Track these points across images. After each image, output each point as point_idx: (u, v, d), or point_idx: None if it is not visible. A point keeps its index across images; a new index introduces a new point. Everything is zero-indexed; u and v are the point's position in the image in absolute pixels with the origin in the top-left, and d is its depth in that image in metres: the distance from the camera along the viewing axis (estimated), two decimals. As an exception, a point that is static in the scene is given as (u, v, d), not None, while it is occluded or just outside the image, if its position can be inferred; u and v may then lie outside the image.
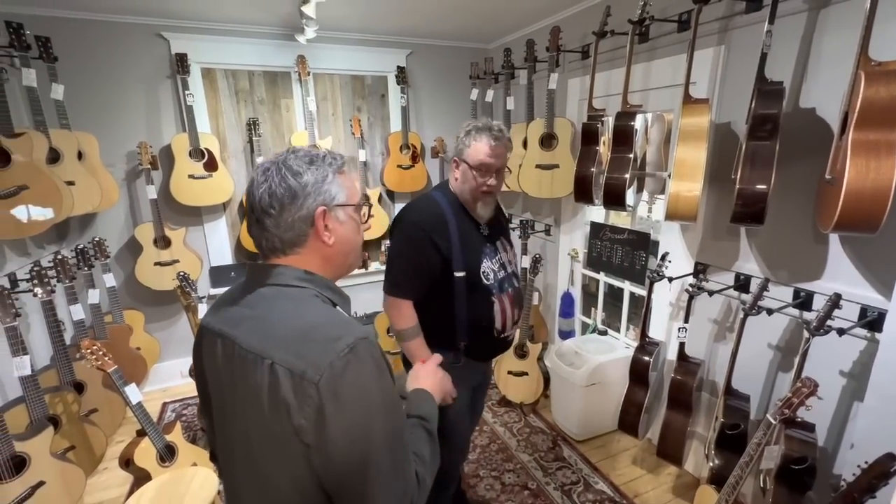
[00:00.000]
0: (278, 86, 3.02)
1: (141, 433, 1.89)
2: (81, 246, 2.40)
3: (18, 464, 1.65)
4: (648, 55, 2.14)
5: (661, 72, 2.09)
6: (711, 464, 1.74)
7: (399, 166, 3.23)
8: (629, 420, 2.10)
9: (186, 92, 2.65)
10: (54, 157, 2.20)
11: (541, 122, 2.54)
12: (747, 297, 1.75)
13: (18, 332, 1.75)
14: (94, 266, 2.46)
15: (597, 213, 2.78)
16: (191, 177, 2.71)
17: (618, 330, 2.76)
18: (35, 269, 1.94)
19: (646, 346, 2.07)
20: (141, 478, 1.84)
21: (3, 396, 2.01)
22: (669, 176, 1.75)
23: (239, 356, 0.69)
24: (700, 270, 1.98)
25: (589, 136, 2.20)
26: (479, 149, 1.36)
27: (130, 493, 1.83)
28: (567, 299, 2.94)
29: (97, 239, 2.52)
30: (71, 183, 2.20)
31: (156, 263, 2.71)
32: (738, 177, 1.51)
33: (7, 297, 1.73)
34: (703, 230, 2.00)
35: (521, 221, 2.83)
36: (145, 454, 1.84)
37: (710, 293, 1.90)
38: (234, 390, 0.70)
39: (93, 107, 2.59)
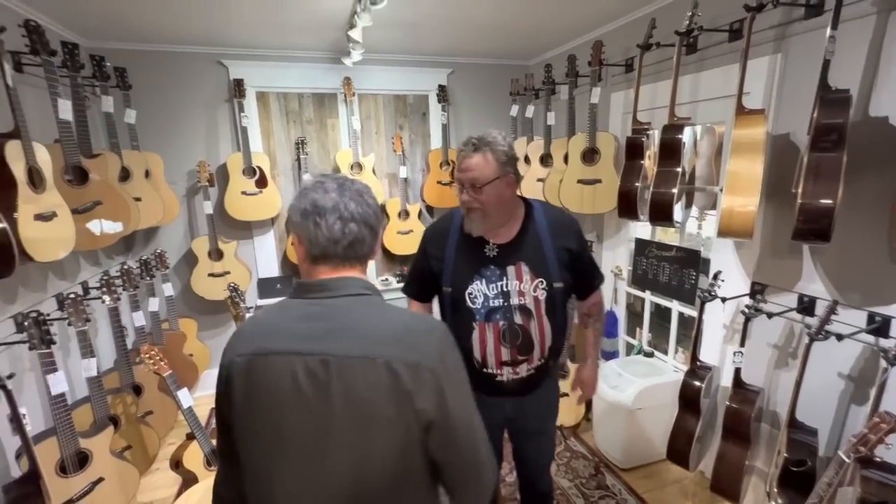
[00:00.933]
0: (325, 106, 3.17)
1: (190, 436, 1.97)
2: (145, 257, 2.59)
3: (82, 459, 1.77)
4: (697, 66, 2.07)
5: (710, 83, 2.01)
6: (774, 503, 1.59)
7: (439, 182, 3.27)
8: (679, 449, 1.96)
9: (242, 114, 2.83)
10: (125, 175, 2.40)
11: (582, 137, 2.50)
12: (812, 321, 1.61)
13: (88, 336, 1.90)
14: (155, 276, 2.64)
15: (642, 229, 2.68)
16: (243, 193, 2.88)
17: (665, 352, 2.62)
18: (104, 278, 2.11)
19: (697, 370, 1.95)
20: (189, 480, 1.92)
21: (72, 395, 2.17)
22: (721, 190, 1.66)
23: (340, 365, 0.72)
24: (757, 291, 1.85)
25: (633, 149, 2.14)
26: (457, 163, 1.30)
27: (178, 494, 1.91)
28: (610, 318, 2.83)
29: (159, 251, 2.70)
30: (138, 199, 2.39)
31: (209, 274, 2.87)
32: (800, 191, 1.41)
33: (80, 304, 1.89)
34: (761, 248, 1.88)
35: (562, 237, 2.77)
36: (193, 457, 1.92)
37: (770, 315, 1.77)
38: (323, 396, 0.73)
39: (159, 129, 2.82)
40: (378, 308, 0.80)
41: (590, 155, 2.51)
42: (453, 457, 0.78)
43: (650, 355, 2.55)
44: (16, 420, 1.42)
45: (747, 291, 1.91)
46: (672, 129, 1.89)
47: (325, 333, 0.74)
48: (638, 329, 2.86)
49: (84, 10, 2.14)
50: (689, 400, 1.94)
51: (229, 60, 2.87)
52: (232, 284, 2.55)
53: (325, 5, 2.14)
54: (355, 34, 2.18)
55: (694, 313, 2.08)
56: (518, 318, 1.31)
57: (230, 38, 2.66)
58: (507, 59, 3.41)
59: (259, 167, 2.90)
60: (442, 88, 3.21)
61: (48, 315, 1.70)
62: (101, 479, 1.81)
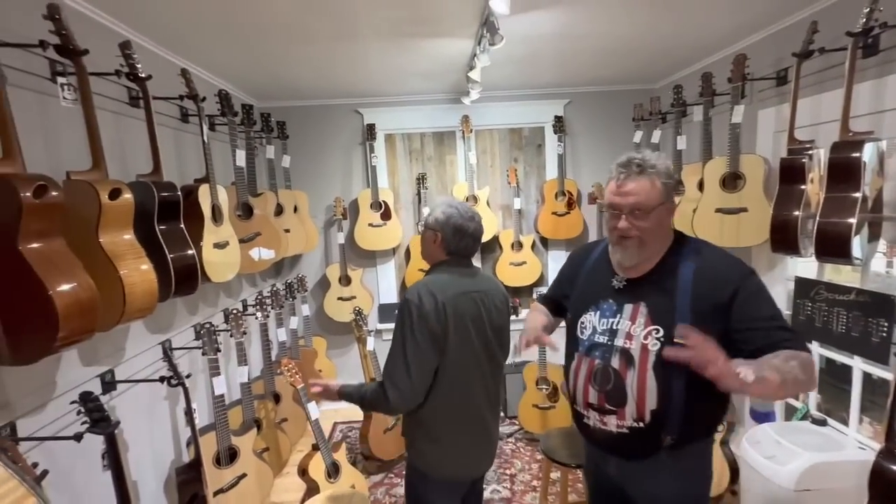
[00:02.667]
0: (444, 143, 3.36)
1: (315, 447, 2.15)
2: (289, 281, 2.98)
3: (232, 455, 2.04)
4: (878, 70, 1.71)
5: (901, 88, 1.63)
6: None
7: (554, 213, 3.19)
8: (870, 553, 1.51)
9: (372, 154, 3.15)
10: (279, 210, 2.83)
11: (721, 161, 2.22)
12: None
13: (244, 346, 2.23)
14: (297, 297, 3.01)
15: (804, 266, 2.23)
16: (370, 225, 3.16)
17: (844, 421, 2.09)
18: (258, 297, 2.47)
19: None
20: (311, 489, 2.08)
21: (229, 397, 2.54)
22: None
23: (486, 295, 1.45)
24: None
25: (791, 172, 1.82)
26: (609, 186, 1.18)
27: (303, 501, 2.08)
28: (762, 371, 2.37)
29: (300, 276, 3.09)
30: (287, 230, 2.78)
31: (339, 298, 3.18)
32: None
33: (239, 318, 2.23)
34: None
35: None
36: (317, 467, 2.08)
37: None
38: (485, 311, 1.43)
39: (306, 170, 3.28)
40: (488, 275, 1.63)
41: (731, 180, 2.21)
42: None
43: (822, 423, 2.05)
44: (189, 413, 1.70)
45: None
46: (846, 147, 1.57)
47: (478, 286, 1.44)
48: (802, 388, 2.34)
49: (259, 79, 2.65)
50: (886, 491, 1.50)
51: (364, 108, 3.25)
52: (357, 308, 2.79)
53: (448, 50, 2.30)
54: (475, 75, 2.29)
55: (887, 375, 1.64)
56: (615, 362, 1.16)
57: (366, 89, 3.02)
58: (628, 84, 3.25)
59: (384, 201, 3.17)
60: (558, 119, 3.17)
61: (217, 327, 2.04)
62: (244, 475, 2.06)
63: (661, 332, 1.12)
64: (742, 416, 2.50)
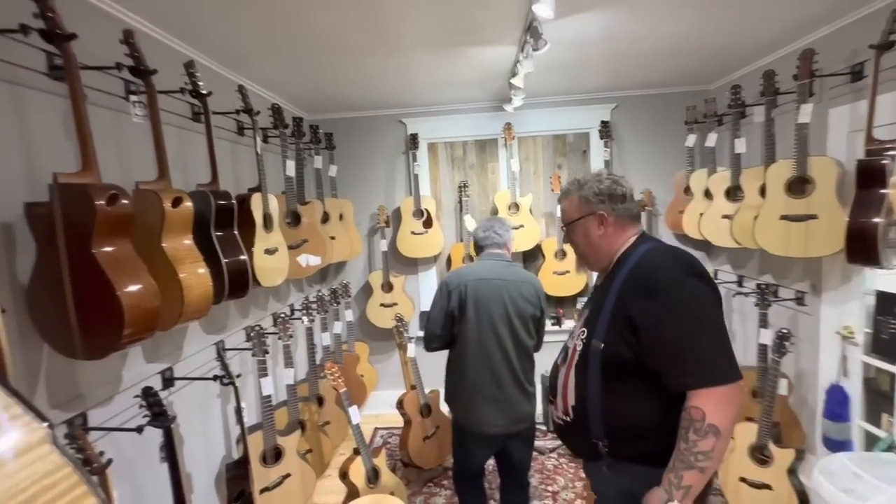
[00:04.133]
0: (486, 151, 3.35)
1: (356, 451, 2.18)
2: (334, 287, 3.06)
3: (277, 454, 2.11)
4: (977, 60, 1.53)
5: None
6: None
7: (600, 221, 3.09)
8: None
9: (415, 163, 3.19)
10: (325, 218, 2.92)
11: (786, 164, 2.06)
12: None
13: (290, 349, 2.31)
14: (340, 303, 3.08)
15: (886, 278, 2.02)
16: (412, 233, 3.20)
17: (937, 454, 1.85)
18: (304, 302, 2.55)
19: None
20: (352, 492, 2.10)
21: (276, 398, 2.63)
22: None
23: (512, 284, 1.83)
24: None
25: (870, 175, 1.66)
26: None
27: None
28: (837, 395, 2.16)
29: (345, 282, 3.17)
30: (333, 238, 2.87)
31: (381, 304, 3.23)
32: None
33: (286, 322, 2.31)
34: None
35: (759, 286, 2.28)
36: (357, 472, 2.11)
37: None
38: (508, 297, 1.82)
39: (352, 179, 3.38)
40: (513, 266, 1.94)
41: (798, 185, 2.04)
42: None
43: (909, 455, 1.83)
44: (238, 412, 1.77)
45: None
46: (936, 147, 1.40)
47: (500, 274, 1.85)
48: (885, 415, 2.11)
49: (309, 93, 2.77)
50: None
51: (407, 118, 3.31)
52: (398, 315, 2.81)
53: (490, 58, 2.30)
54: (518, 81, 2.28)
55: None
56: (559, 358, 1.30)
57: (409, 99, 3.08)
58: (680, 86, 3.10)
59: (426, 209, 3.20)
60: (604, 124, 3.08)
61: (266, 329, 2.12)
62: (289, 475, 2.11)
63: (585, 334, 1.18)
64: (813, 443, 2.28)
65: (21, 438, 0.46)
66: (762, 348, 2.20)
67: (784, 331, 2.01)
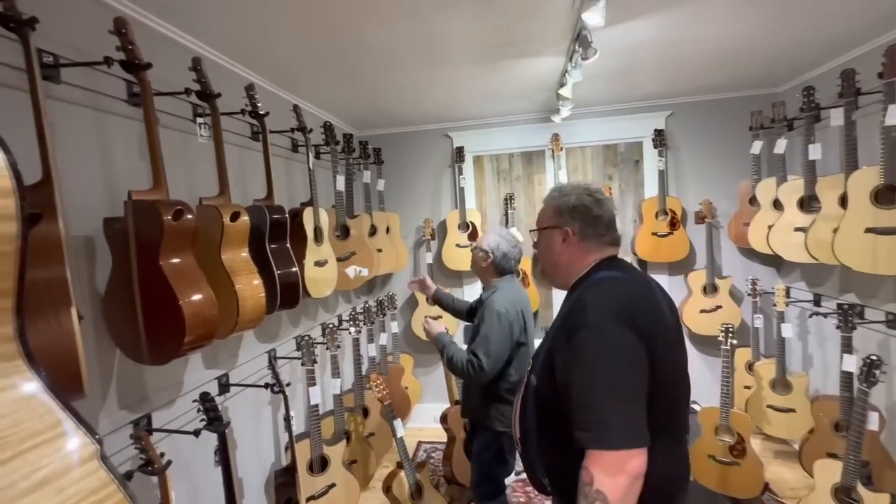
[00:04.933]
0: (533, 163, 3.30)
1: (400, 465, 2.17)
2: (380, 299, 3.11)
3: (323, 464, 2.14)
4: None
5: None
6: None
7: (654, 234, 2.94)
8: None
9: (461, 176, 3.20)
10: (372, 231, 2.98)
11: (871, 172, 1.86)
12: None
13: (338, 360, 2.35)
14: (387, 315, 3.12)
15: None
16: (457, 246, 3.19)
17: None
18: (352, 313, 2.61)
19: None
20: (395, 507, 2.09)
21: (323, 407, 2.69)
22: None
23: (529, 305, 1.97)
24: None
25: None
26: None
27: (387, 518, 2.10)
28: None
29: (391, 294, 3.21)
30: (380, 250, 2.92)
31: (426, 316, 3.23)
32: None
33: (334, 333, 2.37)
34: None
35: (840, 306, 2.05)
36: (400, 486, 2.09)
37: None
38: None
39: (398, 193, 3.44)
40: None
41: (887, 194, 1.83)
42: None
43: None
44: (287, 420, 1.82)
45: None
46: None
47: (524, 293, 1.92)
48: None
49: (358, 110, 2.87)
50: None
51: (454, 132, 3.33)
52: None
53: (537, 70, 2.27)
54: (566, 92, 2.23)
55: None
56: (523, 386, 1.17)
57: (455, 113, 3.10)
58: (743, 90, 2.91)
59: (472, 222, 3.19)
60: (659, 133, 2.95)
61: (315, 339, 2.18)
62: (333, 485, 2.14)
63: (531, 365, 1.13)
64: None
65: (73, 454, 0.49)
66: (846, 376, 1.97)
67: (873, 357, 1.79)
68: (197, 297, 1.18)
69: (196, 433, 1.39)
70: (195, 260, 1.26)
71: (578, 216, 1.10)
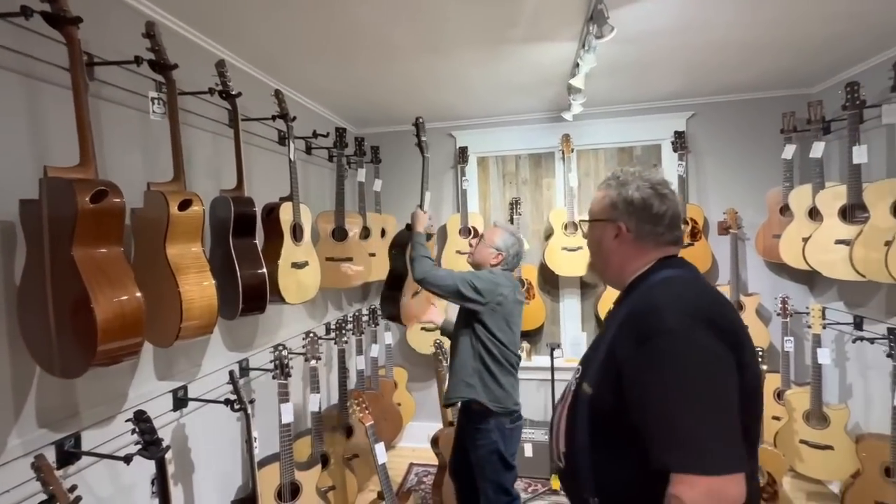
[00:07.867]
0: (541, 166, 3.08)
1: (381, 496, 1.92)
2: (373, 306, 2.88)
3: (294, 490, 1.90)
4: None
5: None
6: None
7: (673, 244, 2.68)
8: None
9: (463, 178, 2.99)
10: (365, 234, 2.78)
11: (934, 175, 1.60)
12: None
13: (317, 372, 2.12)
14: (380, 324, 2.89)
15: None
16: (458, 252, 2.96)
17: None
18: (338, 321, 2.38)
19: None
20: (373, 544, 1.84)
21: (296, 427, 2.44)
22: None
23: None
24: None
25: None
26: None
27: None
28: None
29: (384, 302, 2.98)
30: (373, 255, 2.70)
31: (422, 328, 2.99)
32: None
33: (315, 342, 2.14)
34: None
35: (892, 331, 1.78)
36: (380, 520, 1.84)
37: None
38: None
39: (396, 194, 3.22)
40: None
41: (953, 201, 1.57)
42: None
43: None
44: (248, 442, 1.60)
45: None
46: None
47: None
48: None
49: (355, 103, 2.69)
50: None
51: (457, 131, 3.13)
52: (437, 341, 2.56)
53: (547, 57, 2.06)
54: (577, 82, 2.01)
55: None
56: (561, 395, 1.05)
57: (459, 110, 2.90)
58: (773, 89, 2.67)
59: (474, 227, 2.96)
60: (679, 135, 2.71)
61: (292, 349, 1.96)
62: (305, 515, 1.90)
63: (580, 373, 0.98)
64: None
65: None
66: (901, 413, 1.69)
67: (938, 393, 1.51)
68: (116, 297, 0.97)
69: (127, 459, 1.17)
70: (124, 253, 1.05)
71: (635, 212, 0.95)
